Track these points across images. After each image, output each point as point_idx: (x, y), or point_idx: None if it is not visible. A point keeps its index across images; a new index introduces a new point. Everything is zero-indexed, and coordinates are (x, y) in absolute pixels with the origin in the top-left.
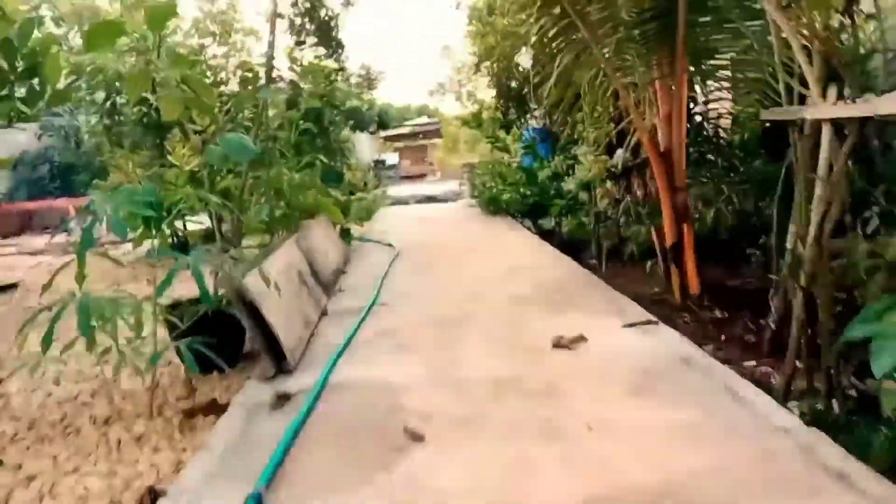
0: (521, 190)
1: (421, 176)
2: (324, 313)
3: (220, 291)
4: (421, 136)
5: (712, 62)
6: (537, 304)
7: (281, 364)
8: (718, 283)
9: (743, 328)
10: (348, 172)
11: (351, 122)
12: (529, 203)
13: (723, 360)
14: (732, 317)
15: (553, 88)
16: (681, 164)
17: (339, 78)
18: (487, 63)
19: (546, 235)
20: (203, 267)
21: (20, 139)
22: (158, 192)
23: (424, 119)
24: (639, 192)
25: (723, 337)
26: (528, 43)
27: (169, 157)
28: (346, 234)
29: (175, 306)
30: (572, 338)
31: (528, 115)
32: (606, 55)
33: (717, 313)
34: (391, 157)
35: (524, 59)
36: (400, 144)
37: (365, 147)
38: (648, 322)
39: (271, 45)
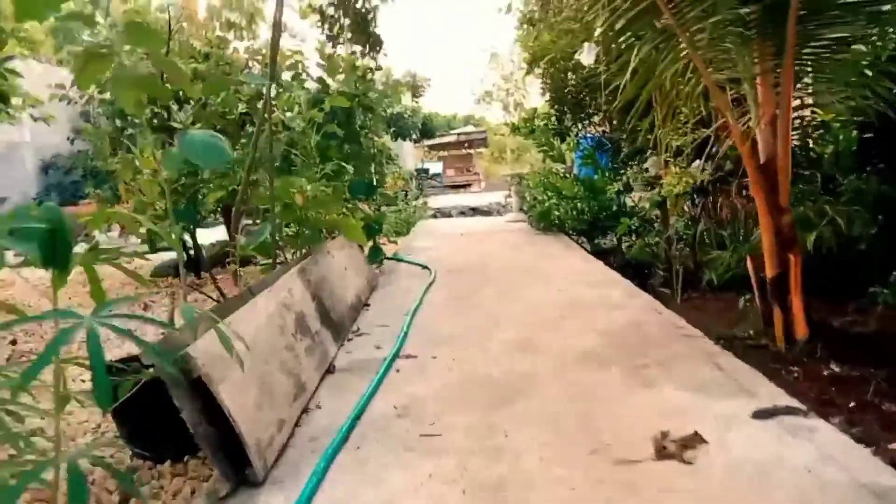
0: (579, 205)
1: (465, 185)
2: (329, 370)
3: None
4: (466, 144)
5: (833, 55)
6: (615, 365)
7: (245, 472)
8: (823, 324)
9: (876, 390)
10: (388, 180)
11: (393, 129)
12: (587, 220)
13: (858, 439)
14: (854, 372)
15: (626, 88)
16: (786, 180)
17: (374, 78)
18: (541, 65)
19: (602, 255)
20: (108, 331)
21: (53, 142)
22: (64, 213)
23: (470, 128)
24: (723, 212)
25: (851, 403)
26: (590, 39)
27: (136, 163)
28: (375, 254)
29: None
30: (682, 439)
31: (587, 122)
32: (698, 45)
33: (835, 367)
34: (434, 166)
35: (585, 57)
36: (444, 153)
37: (408, 155)
38: (790, 410)
39: (276, 26)
